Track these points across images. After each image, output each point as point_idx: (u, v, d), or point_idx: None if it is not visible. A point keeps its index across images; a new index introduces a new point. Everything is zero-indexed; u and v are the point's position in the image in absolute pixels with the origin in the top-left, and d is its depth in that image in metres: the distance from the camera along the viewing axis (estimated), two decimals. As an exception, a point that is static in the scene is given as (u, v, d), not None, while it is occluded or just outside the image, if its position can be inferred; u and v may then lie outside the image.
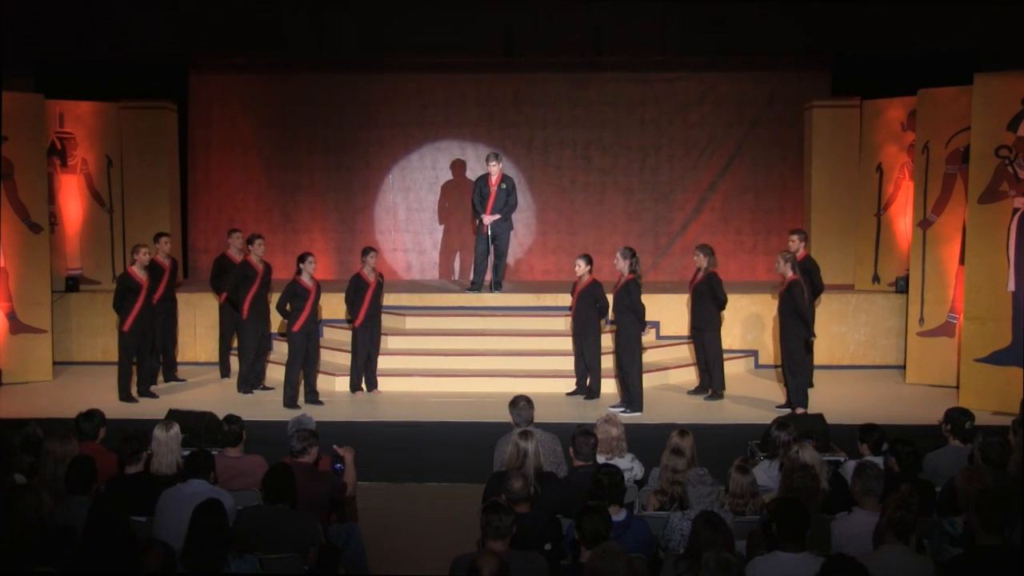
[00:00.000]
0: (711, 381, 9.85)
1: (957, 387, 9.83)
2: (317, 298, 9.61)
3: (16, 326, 10.66)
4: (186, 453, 5.95)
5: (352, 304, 9.90)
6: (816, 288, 9.74)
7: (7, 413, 8.82)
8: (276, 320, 10.35)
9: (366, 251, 10.04)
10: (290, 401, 9.49)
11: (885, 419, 7.94)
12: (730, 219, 13.10)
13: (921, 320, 10.60)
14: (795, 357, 9.19)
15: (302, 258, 9.63)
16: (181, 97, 12.70)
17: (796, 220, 12.78)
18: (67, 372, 11.13)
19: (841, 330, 11.32)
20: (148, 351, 10.02)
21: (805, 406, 9.11)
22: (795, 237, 9.89)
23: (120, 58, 11.74)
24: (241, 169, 13.26)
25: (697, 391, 9.98)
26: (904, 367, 10.82)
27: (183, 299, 11.07)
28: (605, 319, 9.73)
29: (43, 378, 10.72)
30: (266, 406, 9.48)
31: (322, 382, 10.01)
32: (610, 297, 9.49)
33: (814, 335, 9.45)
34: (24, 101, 10.57)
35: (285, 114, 13.22)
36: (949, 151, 10.40)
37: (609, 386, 9.78)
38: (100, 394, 9.84)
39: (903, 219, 11.37)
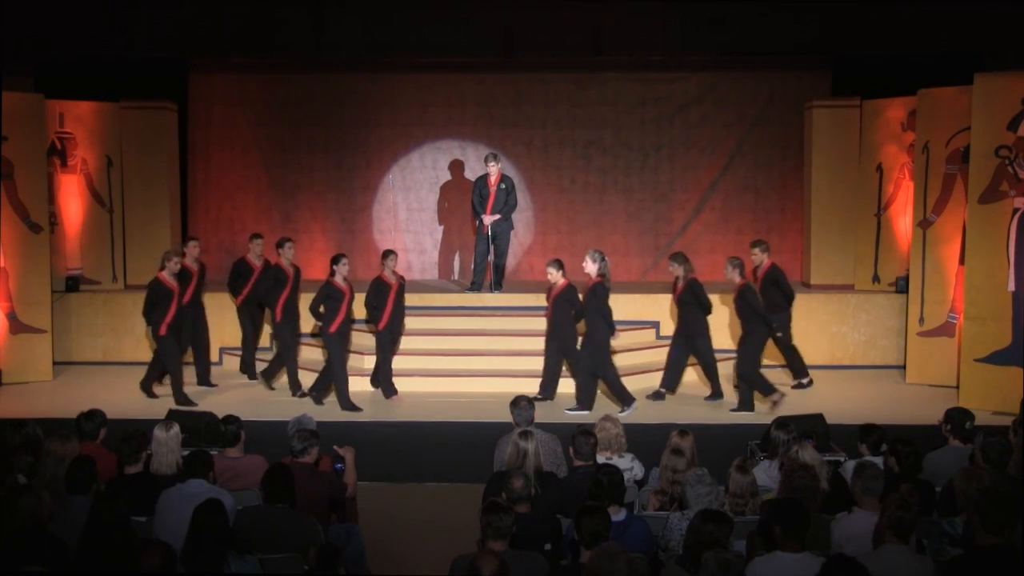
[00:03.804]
0: (713, 383, 9.82)
1: (957, 387, 9.83)
2: (351, 300, 9.55)
3: (16, 326, 10.66)
4: (186, 453, 5.95)
5: (374, 308, 9.71)
6: (788, 294, 9.77)
7: (7, 413, 8.82)
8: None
9: (386, 254, 9.86)
10: (346, 403, 9.43)
11: (885, 419, 7.94)
12: (730, 219, 13.10)
13: (921, 320, 10.60)
14: (754, 359, 9.29)
15: (336, 259, 9.52)
16: (181, 97, 12.69)
17: (796, 220, 12.81)
18: (67, 372, 11.13)
19: (841, 330, 11.32)
20: (182, 354, 9.92)
21: (750, 409, 9.29)
22: (756, 250, 9.85)
23: (120, 58, 11.74)
24: (241, 169, 13.26)
25: (713, 396, 9.84)
26: (904, 367, 10.82)
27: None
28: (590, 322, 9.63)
29: (43, 378, 10.72)
30: (266, 406, 9.48)
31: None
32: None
33: (778, 331, 9.50)
34: (24, 101, 10.57)
35: (285, 114, 13.21)
36: (949, 151, 10.40)
37: (567, 386, 9.73)
38: (100, 394, 9.84)
39: (903, 219, 11.37)
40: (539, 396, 9.48)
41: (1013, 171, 9.46)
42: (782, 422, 6.53)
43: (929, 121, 10.53)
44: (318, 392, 9.65)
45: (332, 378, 9.55)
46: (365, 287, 9.91)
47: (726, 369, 9.88)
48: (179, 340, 9.85)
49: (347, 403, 9.42)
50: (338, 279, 9.45)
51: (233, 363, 11.04)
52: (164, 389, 10.13)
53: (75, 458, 5.56)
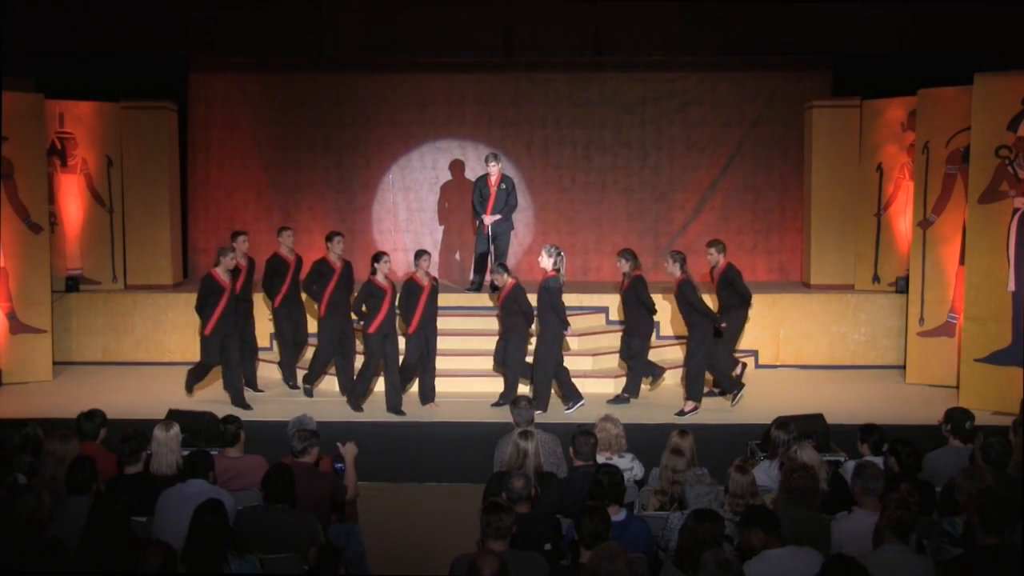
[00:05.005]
0: (627, 384, 9.81)
1: (957, 387, 9.83)
2: (393, 299, 9.41)
3: (16, 326, 10.66)
4: (186, 453, 5.95)
5: (405, 310, 9.50)
6: (743, 295, 9.73)
7: (7, 413, 8.82)
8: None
9: (419, 254, 9.66)
10: (356, 405, 9.40)
11: (885, 419, 7.94)
12: (730, 218, 13.09)
13: (921, 320, 10.60)
14: (702, 352, 9.31)
15: (376, 257, 9.40)
16: (181, 97, 12.71)
17: (796, 220, 12.81)
18: (67, 372, 11.13)
19: (841, 330, 11.32)
20: (238, 356, 9.61)
21: (734, 389, 9.49)
22: (712, 250, 9.80)
23: (120, 58, 11.74)
24: (241, 169, 13.25)
25: (617, 400, 9.78)
26: (904, 367, 10.82)
27: (188, 300, 10.99)
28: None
29: (43, 378, 10.71)
30: (266, 406, 9.47)
31: (327, 382, 9.98)
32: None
33: (722, 321, 9.51)
34: (24, 101, 10.57)
35: (285, 114, 13.21)
36: (949, 151, 10.40)
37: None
38: (100, 394, 9.84)
39: (903, 219, 11.37)
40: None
41: (1013, 171, 9.46)
42: (782, 422, 6.53)
43: (929, 121, 10.53)
44: (355, 399, 9.51)
45: (366, 380, 9.46)
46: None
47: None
48: (231, 341, 9.47)
49: (356, 405, 9.42)
50: (379, 277, 9.32)
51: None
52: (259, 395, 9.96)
53: (75, 458, 5.56)
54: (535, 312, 9.51)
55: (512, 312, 9.49)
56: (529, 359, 9.64)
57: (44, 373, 10.76)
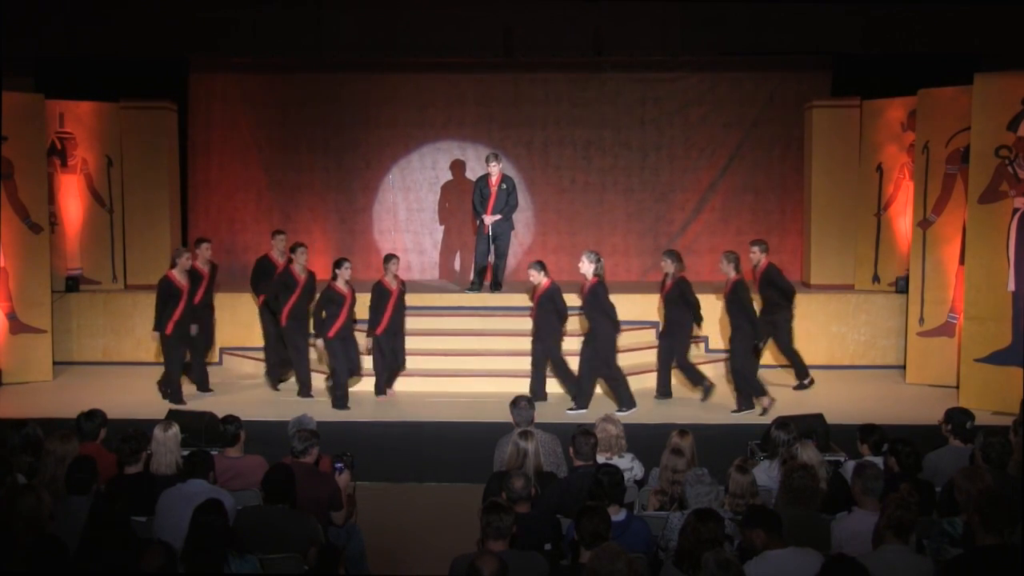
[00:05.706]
0: (660, 382, 9.87)
1: (957, 387, 9.83)
2: (353, 304, 9.53)
3: (16, 326, 10.66)
4: (186, 453, 5.95)
5: (374, 313, 9.69)
6: (787, 292, 9.79)
7: (7, 413, 8.82)
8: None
9: (388, 258, 9.88)
10: (339, 402, 9.47)
11: (885, 419, 7.94)
12: (730, 219, 13.10)
13: (921, 320, 10.60)
14: (744, 357, 9.29)
15: (338, 263, 9.53)
16: (181, 97, 12.70)
17: (796, 220, 12.81)
18: (67, 372, 11.13)
19: (841, 330, 11.32)
20: (200, 353, 10.01)
21: (750, 407, 9.34)
22: (756, 249, 9.84)
23: (120, 58, 11.73)
24: (241, 169, 13.26)
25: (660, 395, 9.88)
26: (904, 367, 10.82)
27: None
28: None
29: (43, 378, 10.72)
30: (266, 406, 9.47)
31: (322, 381, 9.99)
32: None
33: (761, 339, 9.54)
34: (24, 101, 10.57)
35: (285, 114, 13.21)
36: (949, 151, 10.40)
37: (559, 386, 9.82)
38: (100, 394, 9.83)
39: (903, 219, 11.37)
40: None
41: (1013, 171, 9.46)
42: (782, 422, 6.53)
43: (929, 121, 10.53)
44: (339, 399, 9.56)
45: (342, 384, 9.55)
46: (365, 287, 9.91)
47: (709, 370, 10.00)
48: (189, 340, 9.76)
49: (341, 403, 9.45)
50: (340, 283, 9.44)
51: (235, 363, 11.03)
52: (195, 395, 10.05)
53: (75, 458, 5.56)
54: (569, 313, 9.59)
55: (547, 311, 9.51)
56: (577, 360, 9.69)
57: (44, 373, 10.76)
